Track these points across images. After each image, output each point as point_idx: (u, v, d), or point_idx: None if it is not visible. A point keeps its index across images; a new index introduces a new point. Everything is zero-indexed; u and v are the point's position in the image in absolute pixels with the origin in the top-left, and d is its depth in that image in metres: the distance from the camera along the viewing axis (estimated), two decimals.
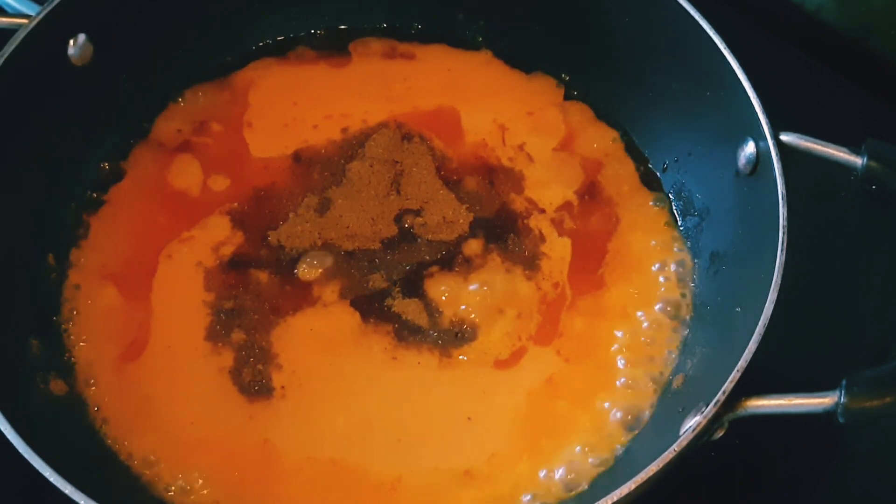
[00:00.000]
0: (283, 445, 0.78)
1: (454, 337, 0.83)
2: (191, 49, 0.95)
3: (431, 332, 0.83)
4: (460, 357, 0.82)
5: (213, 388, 0.80)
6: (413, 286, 0.85)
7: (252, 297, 0.84)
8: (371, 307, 0.84)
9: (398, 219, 0.89)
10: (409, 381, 0.81)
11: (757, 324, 0.69)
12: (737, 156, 0.80)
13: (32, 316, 0.81)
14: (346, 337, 0.83)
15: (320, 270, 0.86)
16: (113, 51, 0.87)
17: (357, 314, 0.84)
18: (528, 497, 0.76)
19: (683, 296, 0.85)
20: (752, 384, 0.68)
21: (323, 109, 0.95)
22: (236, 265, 0.86)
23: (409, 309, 0.84)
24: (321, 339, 0.83)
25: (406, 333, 0.83)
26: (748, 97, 0.78)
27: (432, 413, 0.80)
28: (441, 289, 0.85)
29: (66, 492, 0.64)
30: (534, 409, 0.80)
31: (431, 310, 0.84)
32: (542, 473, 0.77)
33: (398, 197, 0.90)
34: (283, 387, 0.81)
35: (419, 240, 0.88)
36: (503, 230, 0.88)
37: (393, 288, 0.85)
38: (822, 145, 0.76)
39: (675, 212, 0.90)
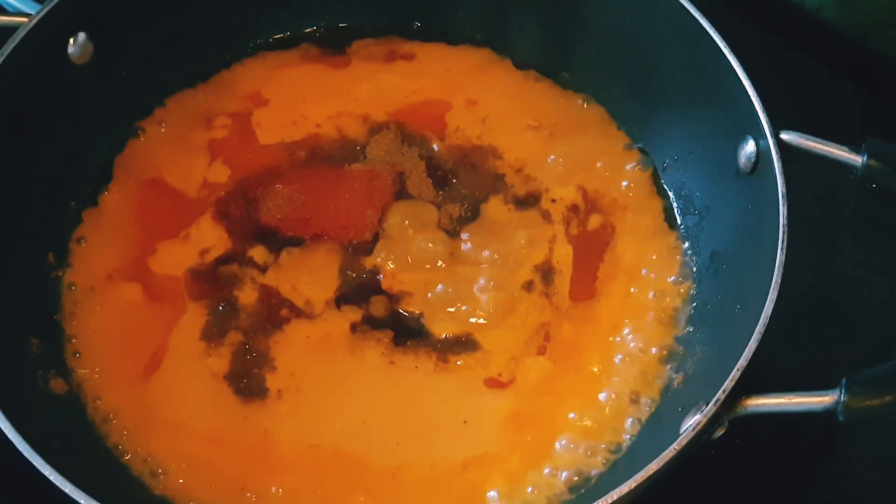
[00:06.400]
0: (282, 441, 0.78)
1: (453, 343, 0.83)
2: (191, 47, 0.95)
3: (430, 337, 0.83)
4: (458, 362, 0.82)
5: (211, 389, 0.80)
6: (414, 292, 0.85)
7: (250, 299, 0.84)
8: (370, 312, 0.84)
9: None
10: (407, 384, 0.81)
11: (757, 323, 0.69)
12: (737, 154, 0.80)
13: (32, 315, 0.81)
14: (344, 341, 0.83)
15: (321, 274, 0.86)
16: (113, 49, 0.87)
17: (355, 319, 0.84)
18: (529, 495, 0.77)
19: (683, 295, 0.85)
20: (752, 383, 0.68)
21: (324, 109, 0.95)
22: (235, 265, 0.86)
23: (408, 314, 0.84)
24: (318, 344, 0.83)
25: (404, 339, 0.83)
26: (748, 96, 0.78)
27: (429, 416, 0.80)
28: (441, 294, 0.85)
29: (66, 490, 0.64)
30: (533, 412, 0.80)
31: (431, 315, 0.84)
32: (542, 473, 0.77)
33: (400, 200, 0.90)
34: (279, 390, 0.81)
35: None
36: (505, 235, 0.88)
37: (393, 293, 0.85)
38: (823, 144, 0.76)
39: (675, 210, 0.90)
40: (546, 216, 0.89)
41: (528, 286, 0.85)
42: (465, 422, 0.79)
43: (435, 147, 0.93)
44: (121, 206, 0.89)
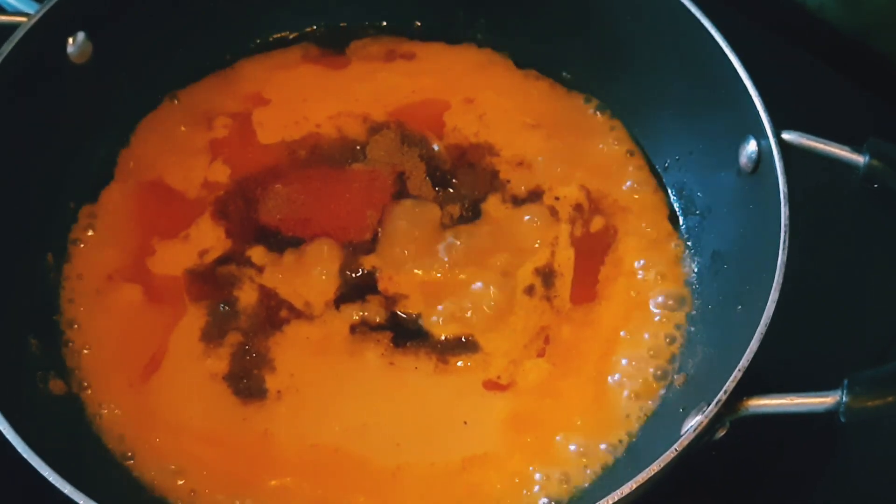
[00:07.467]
0: (282, 441, 0.78)
1: (453, 344, 0.83)
2: (190, 46, 0.95)
3: (430, 338, 0.83)
4: (458, 364, 0.82)
5: (211, 390, 0.80)
6: (414, 292, 0.85)
7: (250, 299, 0.84)
8: (370, 313, 0.84)
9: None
10: (407, 385, 0.81)
11: (759, 323, 0.69)
12: (738, 154, 0.80)
13: (32, 315, 0.81)
14: (344, 342, 0.82)
15: (320, 275, 0.85)
16: (112, 49, 0.87)
17: (355, 319, 0.83)
18: (530, 495, 0.76)
19: (685, 295, 0.85)
20: (753, 383, 0.68)
21: (324, 109, 0.94)
22: (234, 265, 0.86)
23: (407, 315, 0.84)
24: (318, 345, 0.82)
25: (403, 340, 0.83)
26: (750, 95, 0.78)
27: (429, 417, 0.80)
28: (441, 296, 0.85)
29: (66, 491, 0.64)
30: (533, 413, 0.80)
31: (430, 316, 0.84)
32: (542, 474, 0.77)
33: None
34: (279, 391, 0.80)
35: None
36: (506, 236, 0.88)
37: (391, 294, 0.85)
38: (824, 144, 0.76)
39: (676, 210, 0.90)
40: (553, 213, 0.89)
41: (529, 290, 0.85)
42: (465, 422, 0.79)
43: (435, 147, 0.93)
44: (120, 206, 0.89)
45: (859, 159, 0.74)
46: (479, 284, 0.85)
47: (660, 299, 0.84)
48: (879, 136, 0.76)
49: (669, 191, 0.91)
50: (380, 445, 0.78)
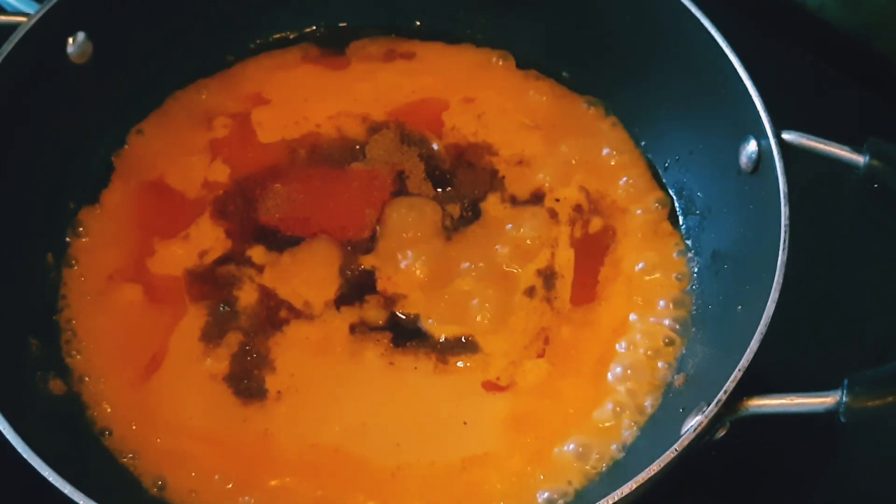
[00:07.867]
0: (282, 441, 0.78)
1: (453, 344, 0.83)
2: (190, 47, 0.95)
3: (429, 338, 0.83)
4: (457, 364, 0.82)
5: (211, 390, 0.80)
6: (413, 292, 0.85)
7: (250, 300, 0.84)
8: (369, 313, 0.84)
9: None
10: (406, 385, 0.81)
11: (759, 323, 0.69)
12: (738, 154, 0.80)
13: (32, 316, 0.81)
14: (343, 342, 0.82)
15: (320, 275, 0.85)
16: (112, 49, 0.87)
17: (354, 320, 0.83)
18: (530, 496, 0.76)
19: (685, 295, 0.85)
20: (753, 383, 0.68)
21: (324, 109, 0.94)
22: (234, 265, 0.86)
23: (405, 315, 0.84)
24: (318, 345, 0.82)
25: (403, 340, 0.83)
26: (750, 95, 0.78)
27: (429, 417, 0.80)
28: (440, 295, 0.84)
29: (66, 491, 0.64)
30: (533, 413, 0.80)
31: (429, 316, 0.84)
32: (543, 474, 0.77)
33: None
34: (279, 392, 0.80)
35: None
36: (506, 236, 0.88)
37: (390, 294, 0.85)
38: (824, 144, 0.76)
39: (676, 211, 0.90)
40: (553, 215, 0.89)
41: (530, 291, 0.85)
42: (464, 422, 0.79)
43: (434, 147, 0.93)
44: (120, 206, 0.89)
45: (859, 159, 0.74)
46: (478, 285, 0.85)
47: (659, 300, 0.84)
48: (879, 136, 0.76)
49: (669, 191, 0.91)
50: (380, 445, 0.78)
